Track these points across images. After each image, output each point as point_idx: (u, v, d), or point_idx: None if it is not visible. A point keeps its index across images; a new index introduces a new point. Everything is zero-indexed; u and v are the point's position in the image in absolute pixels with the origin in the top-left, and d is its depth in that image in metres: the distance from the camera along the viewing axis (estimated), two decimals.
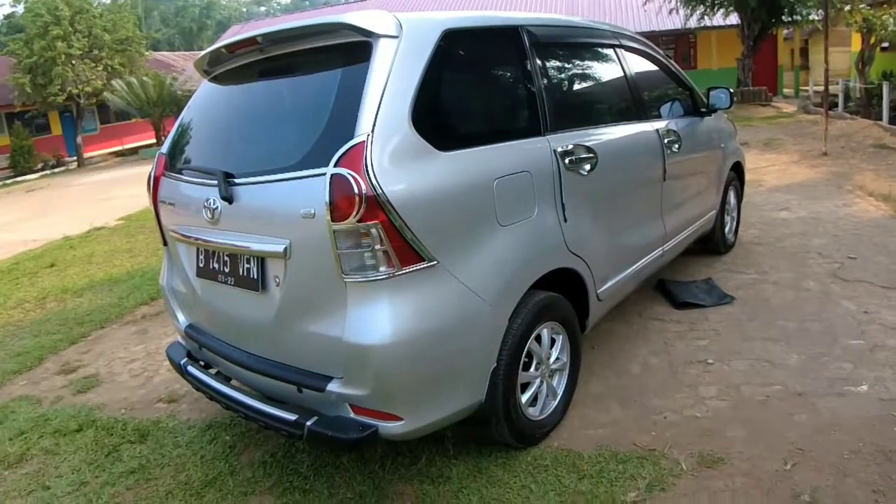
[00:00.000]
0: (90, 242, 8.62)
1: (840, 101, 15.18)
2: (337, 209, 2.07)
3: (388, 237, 2.11)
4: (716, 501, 2.36)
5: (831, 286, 4.36)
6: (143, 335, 4.73)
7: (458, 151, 2.39)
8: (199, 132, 2.95)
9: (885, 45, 14.88)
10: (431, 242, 2.21)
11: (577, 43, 3.46)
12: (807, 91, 19.75)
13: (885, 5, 13.28)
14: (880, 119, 12.21)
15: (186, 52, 38.74)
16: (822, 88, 13.70)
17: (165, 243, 3.07)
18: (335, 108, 2.31)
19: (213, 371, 2.91)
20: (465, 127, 2.61)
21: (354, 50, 2.31)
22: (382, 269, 2.13)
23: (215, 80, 2.96)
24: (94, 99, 24.81)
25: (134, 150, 26.96)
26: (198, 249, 2.76)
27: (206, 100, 2.99)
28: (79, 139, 24.86)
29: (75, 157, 24.93)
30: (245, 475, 2.82)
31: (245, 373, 2.67)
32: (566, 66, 3.33)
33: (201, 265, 2.75)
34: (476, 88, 2.75)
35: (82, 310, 5.50)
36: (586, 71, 3.53)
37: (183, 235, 2.81)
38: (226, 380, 2.82)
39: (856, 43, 17.45)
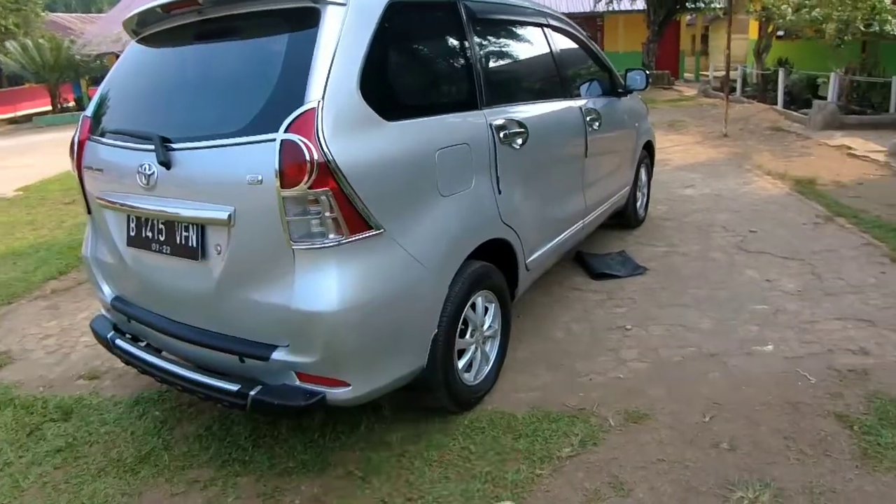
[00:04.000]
0: None
1: (738, 85, 16.05)
2: (287, 176, 2.07)
3: (338, 204, 2.12)
4: (644, 452, 2.53)
5: (736, 257, 4.68)
6: (54, 311, 4.52)
7: (403, 122, 2.43)
8: (130, 95, 2.83)
9: (781, 33, 15.77)
10: (378, 210, 2.24)
11: (509, 20, 3.53)
12: (707, 76, 20.73)
13: None
14: (776, 103, 13.02)
15: (84, 15, 36.54)
16: (721, 73, 14.44)
17: (90, 211, 2.94)
18: (282, 74, 2.28)
19: (142, 344, 2.84)
20: (410, 98, 2.64)
21: (301, 15, 2.28)
22: (331, 236, 2.14)
23: (145, 41, 2.85)
24: None
25: (28, 118, 25.20)
26: (129, 217, 2.67)
27: (136, 61, 2.87)
28: None
29: None
30: (181, 449, 2.78)
31: (180, 344, 2.62)
32: (499, 42, 3.39)
33: (132, 234, 2.67)
34: (419, 60, 2.79)
35: None
36: (518, 48, 3.60)
37: (111, 202, 2.71)
38: (156, 352, 2.76)
39: (753, 31, 18.46)
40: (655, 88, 19.05)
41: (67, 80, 23.97)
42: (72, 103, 25.45)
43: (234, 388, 2.34)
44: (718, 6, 19.73)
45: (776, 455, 2.45)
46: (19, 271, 5.42)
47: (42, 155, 13.57)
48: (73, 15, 35.83)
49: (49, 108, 24.72)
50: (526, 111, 3.27)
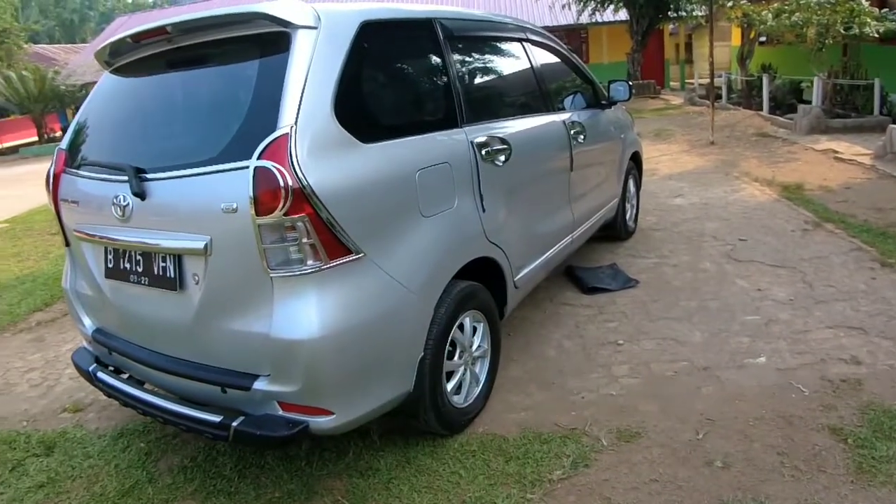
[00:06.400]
0: None
1: (723, 92, 16.12)
2: (261, 203, 2.03)
3: (315, 230, 2.08)
4: (636, 473, 2.48)
5: (726, 267, 4.65)
6: (39, 343, 4.45)
7: (380, 143, 2.39)
8: (103, 126, 2.80)
9: (763, 39, 15.87)
10: (358, 234, 2.20)
11: (487, 37, 3.52)
12: (692, 84, 20.85)
13: (763, 1, 14.14)
14: (761, 109, 13.07)
15: (68, 45, 36.71)
16: (706, 81, 14.52)
17: (68, 244, 2.90)
18: (254, 100, 2.25)
19: (124, 376, 2.79)
20: (386, 119, 2.61)
21: (272, 40, 2.26)
22: (310, 262, 2.10)
23: (118, 71, 2.82)
24: None
25: (14, 149, 25.08)
26: (106, 249, 2.63)
27: (108, 92, 2.84)
28: None
29: None
30: (165, 482, 2.72)
31: (162, 376, 2.57)
32: (478, 59, 3.38)
33: (110, 265, 2.62)
34: (395, 80, 2.76)
35: None
36: (497, 64, 3.60)
37: (88, 235, 2.67)
38: (138, 384, 2.71)
39: (735, 37, 18.58)
40: (642, 98, 19.12)
41: (53, 110, 23.99)
42: (58, 133, 25.40)
43: (216, 419, 2.29)
44: (700, 14, 19.89)
45: (770, 472, 2.41)
46: (4, 304, 5.34)
47: (28, 186, 13.44)
48: (57, 46, 36.05)
49: (35, 138, 24.65)
50: (508, 127, 3.24)
